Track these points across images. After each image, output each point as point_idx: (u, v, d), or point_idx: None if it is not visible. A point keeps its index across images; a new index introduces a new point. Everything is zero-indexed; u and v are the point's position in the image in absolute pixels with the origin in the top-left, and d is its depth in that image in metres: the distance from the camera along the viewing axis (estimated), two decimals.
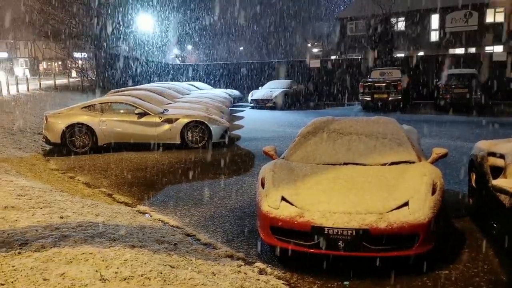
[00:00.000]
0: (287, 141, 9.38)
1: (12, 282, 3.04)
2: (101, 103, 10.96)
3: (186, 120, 10.68)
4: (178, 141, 10.65)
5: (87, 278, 3.14)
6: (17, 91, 21.05)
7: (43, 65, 56.58)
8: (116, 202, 6.60)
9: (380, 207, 4.05)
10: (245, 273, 3.93)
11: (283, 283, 3.88)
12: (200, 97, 16.56)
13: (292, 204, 4.25)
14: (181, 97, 16.31)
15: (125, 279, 3.21)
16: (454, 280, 3.90)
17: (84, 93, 23.33)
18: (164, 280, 3.30)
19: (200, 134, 10.69)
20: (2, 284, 3.00)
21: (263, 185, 4.68)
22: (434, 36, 35.26)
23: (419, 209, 4.01)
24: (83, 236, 4.09)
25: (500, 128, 12.52)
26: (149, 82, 24.21)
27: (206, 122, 10.68)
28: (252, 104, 21.40)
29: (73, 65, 31.66)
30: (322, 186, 4.47)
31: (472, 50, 32.18)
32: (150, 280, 3.26)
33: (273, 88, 21.56)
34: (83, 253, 3.61)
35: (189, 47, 44.78)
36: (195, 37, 38.66)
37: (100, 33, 26.18)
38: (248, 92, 22.70)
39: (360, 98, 18.97)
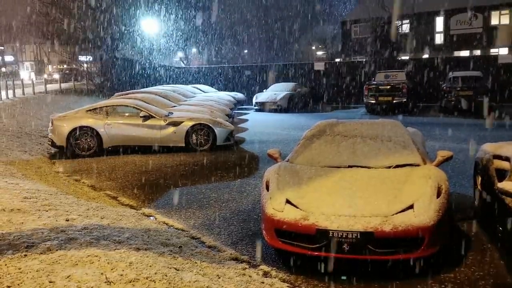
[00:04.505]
0: (292, 144, 9.38)
1: (19, 285, 3.05)
2: (106, 106, 11.00)
3: (190, 123, 10.71)
4: (182, 144, 10.67)
5: (93, 280, 3.15)
6: (23, 94, 21.19)
7: (48, 68, 56.90)
8: (121, 204, 6.63)
9: (385, 210, 4.05)
10: (249, 276, 3.94)
11: (287, 286, 3.88)
12: (204, 100, 16.60)
13: (297, 207, 4.25)
14: (186, 100, 16.36)
15: (130, 282, 3.22)
16: (459, 283, 3.89)
17: (89, 96, 23.44)
18: (169, 283, 3.31)
19: (205, 137, 10.71)
20: (9, 286, 3.02)
21: (267, 187, 4.69)
22: (439, 39, 35.18)
23: (424, 212, 4.01)
24: (88, 239, 4.11)
25: (506, 131, 12.46)
26: (154, 85, 24.28)
27: (210, 125, 10.70)
28: (256, 107, 21.41)
29: (79, 67, 31.81)
30: (326, 189, 4.47)
31: (477, 52, 32.08)
32: (155, 282, 3.27)
33: (277, 91, 21.57)
34: (88, 256, 3.63)
35: (194, 50, 44.87)
36: (200, 39, 38.74)
37: (105, 36, 26.29)
38: (253, 95, 22.73)
39: (365, 100, 18.93)
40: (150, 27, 29.53)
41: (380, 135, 5.48)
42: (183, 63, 38.31)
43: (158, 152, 10.57)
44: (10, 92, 19.92)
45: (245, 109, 22.00)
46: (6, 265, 3.36)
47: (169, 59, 35.59)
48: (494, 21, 32.70)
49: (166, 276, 3.40)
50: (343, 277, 4.02)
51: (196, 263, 4.01)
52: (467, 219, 5.45)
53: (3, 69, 52.41)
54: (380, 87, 18.29)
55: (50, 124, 10.73)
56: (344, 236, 3.92)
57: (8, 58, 61.72)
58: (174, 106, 13.83)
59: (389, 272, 4.08)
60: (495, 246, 4.60)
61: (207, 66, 33.48)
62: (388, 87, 18.12)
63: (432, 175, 4.52)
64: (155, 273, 3.41)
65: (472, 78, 17.81)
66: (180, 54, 39.14)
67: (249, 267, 4.22)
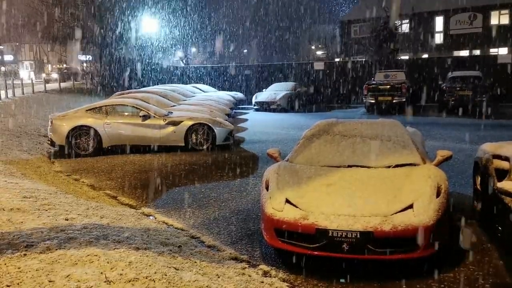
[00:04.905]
0: (291, 143, 9.38)
1: (18, 284, 3.05)
2: (105, 106, 11.00)
3: (190, 123, 10.70)
4: (182, 144, 10.67)
5: (92, 280, 3.15)
6: (23, 93, 21.18)
7: (48, 68, 56.87)
8: (121, 204, 6.62)
9: (385, 210, 4.05)
10: (249, 276, 3.94)
11: (287, 286, 3.88)
12: (204, 100, 16.61)
13: (296, 207, 4.25)
14: (185, 100, 16.36)
15: (130, 281, 3.22)
16: (459, 283, 3.89)
17: (89, 96, 23.43)
18: (169, 282, 3.31)
19: (204, 137, 10.71)
20: (8, 286, 3.02)
21: (267, 187, 4.69)
22: (439, 39, 35.20)
23: (424, 211, 4.01)
24: (88, 238, 4.10)
25: (505, 131, 12.47)
26: (153, 85, 24.28)
27: (210, 125, 10.70)
28: (256, 107, 21.41)
29: (78, 67, 31.80)
30: (326, 189, 4.47)
31: (477, 52, 32.10)
32: (154, 282, 3.27)
33: (277, 91, 21.58)
34: (88, 255, 3.62)
35: (193, 49, 44.87)
36: (199, 39, 38.78)
37: (104, 36, 26.29)
38: (252, 95, 22.73)
39: (364, 100, 18.95)
40: (150, 27, 29.52)
41: (379, 135, 5.48)
42: (183, 62, 38.29)
43: (157, 152, 10.56)
44: (10, 91, 19.92)
45: (245, 108, 22.00)
46: (5, 264, 3.36)
47: (169, 58, 35.58)
48: (493, 21, 32.71)
49: (166, 275, 3.40)
50: (342, 280, 4.01)
51: (195, 262, 4.01)
52: (466, 218, 5.44)
53: (3, 68, 52.35)
54: (379, 87, 18.30)
55: (49, 124, 10.72)
56: (343, 235, 3.91)
57: (8, 57, 61.65)
58: (174, 106, 13.83)
59: (389, 271, 4.07)
60: (495, 246, 4.60)
61: (206, 65, 33.45)
62: (388, 87, 18.13)
63: (431, 175, 4.52)
64: (155, 273, 3.41)
65: (472, 78, 17.82)
66: (179, 53, 39.12)
67: (248, 266, 4.22)
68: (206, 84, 24.62)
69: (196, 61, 47.74)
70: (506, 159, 4.82)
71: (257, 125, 15.61)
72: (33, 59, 61.90)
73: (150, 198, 6.88)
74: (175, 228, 5.43)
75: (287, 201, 4.34)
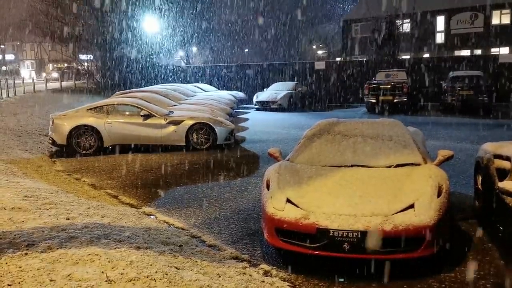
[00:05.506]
0: (292, 143, 9.38)
1: (19, 283, 3.06)
2: (106, 105, 11.01)
3: (191, 122, 10.71)
4: (183, 143, 10.68)
5: (93, 279, 3.16)
6: (24, 92, 21.19)
7: (48, 67, 56.89)
8: (122, 203, 6.63)
9: (386, 209, 4.05)
10: (250, 275, 3.94)
11: (288, 285, 3.88)
12: (205, 99, 16.62)
13: (297, 206, 4.25)
14: (186, 99, 16.37)
15: (131, 280, 3.23)
16: (459, 283, 3.89)
17: (90, 95, 23.43)
18: (170, 282, 3.31)
19: (205, 136, 10.71)
20: (9, 285, 3.02)
21: (268, 187, 4.69)
22: (440, 38, 35.15)
23: (425, 211, 4.01)
24: (89, 238, 4.11)
25: (506, 130, 12.46)
26: (154, 84, 24.27)
27: (211, 124, 10.70)
28: (257, 106, 21.41)
29: (79, 66, 31.80)
30: (327, 188, 4.47)
31: (478, 52, 32.06)
32: (155, 281, 3.27)
33: (278, 90, 21.57)
34: (89, 254, 3.63)
35: (194, 49, 44.85)
36: (200, 39, 38.76)
37: (105, 35, 26.29)
38: (253, 94, 22.72)
39: (365, 100, 18.93)
40: (151, 26, 29.51)
41: (380, 135, 5.47)
42: (184, 62, 38.30)
43: (158, 151, 10.57)
44: (11, 90, 19.94)
45: (246, 108, 22.00)
46: (6, 263, 3.36)
47: (170, 58, 35.58)
48: (495, 20, 32.66)
49: (167, 275, 3.41)
50: (342, 279, 4.01)
51: (196, 262, 4.01)
52: (467, 218, 5.44)
53: (4, 68, 52.40)
54: (380, 86, 18.29)
55: (50, 123, 10.73)
56: (344, 235, 3.92)
57: (9, 56, 61.70)
58: (175, 105, 13.84)
59: (389, 271, 4.07)
60: (495, 246, 4.60)
61: (207, 65, 33.44)
62: (389, 86, 18.12)
63: (432, 175, 4.52)
64: (156, 272, 3.41)
65: (473, 78, 17.80)
66: (181, 53, 39.13)
67: (249, 266, 4.22)
68: (207, 84, 24.61)
69: (197, 61, 47.72)
70: (507, 158, 4.82)
71: (258, 124, 15.61)
72: (34, 58, 61.96)
73: (151, 198, 6.89)
74: (176, 227, 5.44)
75: (288, 200, 4.34)
